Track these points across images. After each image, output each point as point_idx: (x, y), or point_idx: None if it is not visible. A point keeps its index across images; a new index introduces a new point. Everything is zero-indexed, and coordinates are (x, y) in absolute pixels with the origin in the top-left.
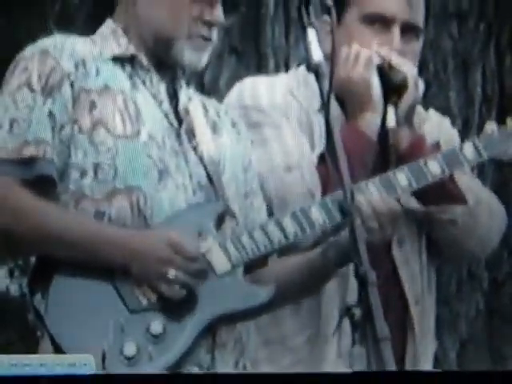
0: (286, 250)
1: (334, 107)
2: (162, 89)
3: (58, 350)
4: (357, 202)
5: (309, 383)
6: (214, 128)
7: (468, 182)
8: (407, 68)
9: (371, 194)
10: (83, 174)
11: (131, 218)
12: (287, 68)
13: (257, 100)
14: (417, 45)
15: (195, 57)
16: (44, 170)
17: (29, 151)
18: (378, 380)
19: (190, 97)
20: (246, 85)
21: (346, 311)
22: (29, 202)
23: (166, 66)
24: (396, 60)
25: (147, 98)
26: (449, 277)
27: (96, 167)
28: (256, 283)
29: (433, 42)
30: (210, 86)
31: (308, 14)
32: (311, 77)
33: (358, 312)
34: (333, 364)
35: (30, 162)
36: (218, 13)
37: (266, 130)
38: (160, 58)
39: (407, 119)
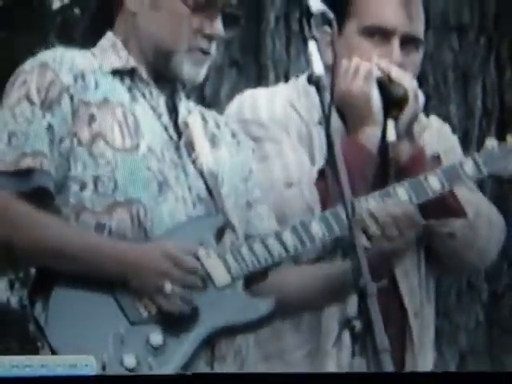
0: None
1: (335, 119)
2: (161, 102)
3: None
4: (371, 211)
5: None
6: (213, 140)
7: (467, 195)
8: (407, 81)
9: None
10: (83, 186)
11: (131, 230)
12: (287, 80)
13: (256, 114)
14: (417, 56)
15: (194, 70)
16: (41, 182)
17: (26, 163)
18: (378, 381)
19: (189, 110)
20: (245, 98)
21: (346, 323)
22: (28, 215)
23: (165, 79)
24: (396, 73)
25: (146, 111)
26: (448, 288)
27: (96, 180)
28: (257, 296)
29: (433, 54)
30: (211, 99)
31: (309, 26)
32: (312, 88)
33: (358, 324)
34: None
35: (26, 173)
36: (218, 26)
37: (267, 145)
38: (159, 71)
39: (407, 132)
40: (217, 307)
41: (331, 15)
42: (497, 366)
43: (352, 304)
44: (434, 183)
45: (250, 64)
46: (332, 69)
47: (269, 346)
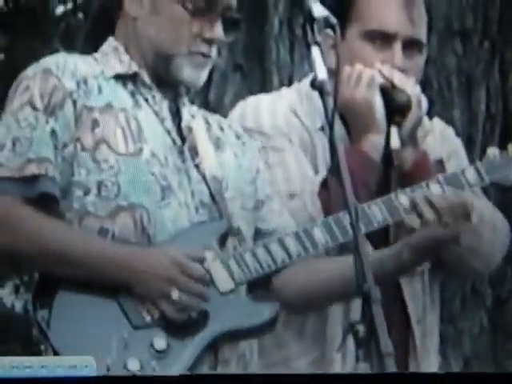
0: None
1: (338, 126)
2: (164, 106)
3: None
4: (428, 197)
5: None
6: (217, 144)
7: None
8: (410, 87)
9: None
10: (86, 191)
11: (135, 235)
12: (291, 85)
13: (259, 122)
14: (420, 59)
15: (195, 73)
16: (46, 188)
17: (31, 169)
18: (381, 382)
19: (192, 114)
20: (247, 106)
21: (350, 328)
22: (32, 220)
23: (167, 84)
24: (399, 79)
25: (150, 116)
26: (453, 293)
27: (99, 185)
28: (261, 300)
29: (437, 59)
30: (215, 104)
31: (312, 31)
32: (314, 92)
33: (361, 328)
34: None
35: (32, 180)
36: (218, 30)
37: (269, 154)
38: (161, 75)
39: (411, 138)
40: (220, 312)
41: (334, 20)
42: (501, 371)
43: (355, 309)
44: (436, 191)
45: (253, 69)
46: (335, 73)
47: (273, 354)
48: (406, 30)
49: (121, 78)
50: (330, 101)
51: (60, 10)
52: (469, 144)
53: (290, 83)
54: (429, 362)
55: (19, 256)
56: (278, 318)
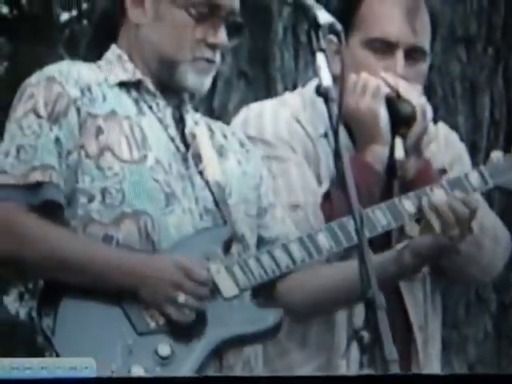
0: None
1: (342, 135)
2: (168, 113)
3: None
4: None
5: None
6: (220, 151)
7: None
8: (415, 97)
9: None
10: (91, 198)
11: (139, 242)
12: None
13: (261, 130)
14: (423, 67)
15: (199, 79)
16: (51, 195)
17: (35, 177)
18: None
19: (196, 121)
20: (250, 112)
21: (354, 335)
22: (36, 228)
23: (171, 91)
24: (404, 89)
25: (153, 123)
26: (457, 300)
27: (103, 192)
28: (266, 305)
29: (441, 66)
30: (220, 111)
31: (317, 38)
32: (318, 98)
33: (366, 335)
34: None
35: (36, 187)
36: (222, 35)
37: (272, 164)
38: (164, 82)
39: (415, 148)
40: (224, 318)
41: (339, 27)
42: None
43: (359, 315)
44: (439, 195)
45: (258, 76)
46: (340, 79)
47: (276, 363)
48: (408, 38)
49: (125, 86)
50: (335, 108)
51: (65, 16)
52: (473, 150)
53: (294, 90)
54: (431, 367)
55: (24, 263)
56: (282, 324)
